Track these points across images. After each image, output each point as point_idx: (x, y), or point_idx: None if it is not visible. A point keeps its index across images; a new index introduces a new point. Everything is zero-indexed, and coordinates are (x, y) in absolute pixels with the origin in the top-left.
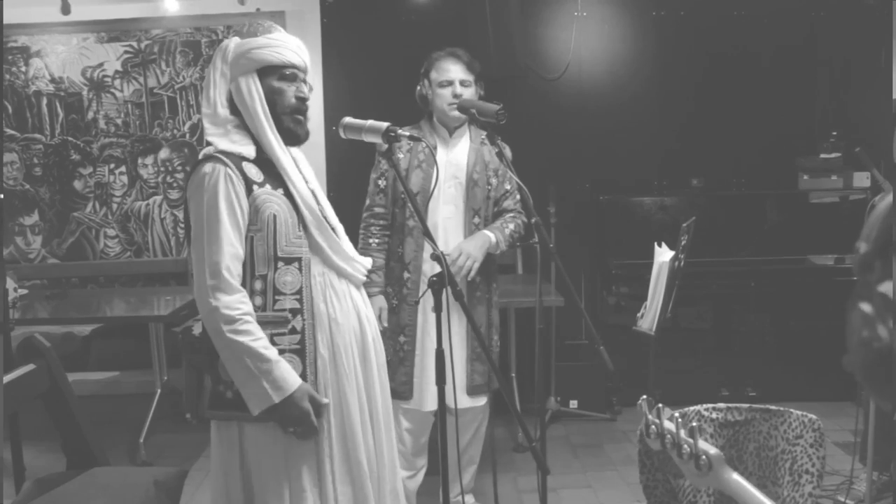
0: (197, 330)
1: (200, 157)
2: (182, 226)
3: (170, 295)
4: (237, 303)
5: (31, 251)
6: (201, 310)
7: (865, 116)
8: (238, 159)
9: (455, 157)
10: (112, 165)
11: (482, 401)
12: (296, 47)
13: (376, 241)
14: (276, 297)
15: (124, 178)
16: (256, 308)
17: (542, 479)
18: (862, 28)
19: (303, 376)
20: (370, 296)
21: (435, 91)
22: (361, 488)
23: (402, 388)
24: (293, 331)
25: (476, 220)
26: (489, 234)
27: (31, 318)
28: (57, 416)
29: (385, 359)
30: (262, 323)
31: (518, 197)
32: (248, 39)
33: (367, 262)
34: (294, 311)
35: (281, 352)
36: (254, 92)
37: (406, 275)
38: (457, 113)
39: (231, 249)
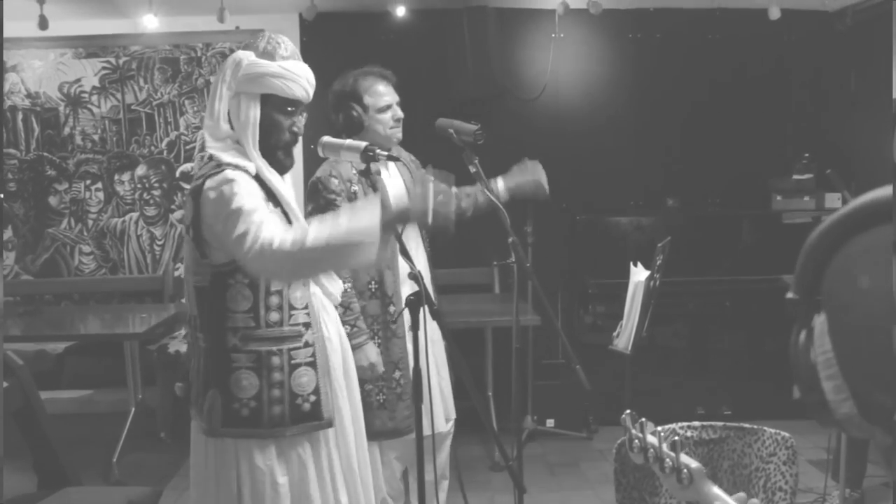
0: (172, 348)
1: (214, 165)
2: (159, 243)
3: (145, 312)
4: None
5: (3, 267)
6: (256, 266)
7: (837, 138)
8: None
9: (395, 179)
10: (88, 181)
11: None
12: (306, 81)
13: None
14: (291, 312)
15: (100, 195)
16: (274, 323)
17: (519, 498)
18: (832, 52)
19: (317, 389)
20: (359, 346)
21: (373, 116)
22: (356, 494)
23: (405, 424)
24: (306, 344)
25: (423, 233)
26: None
27: (3, 336)
28: (29, 434)
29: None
30: (280, 338)
31: None
32: (264, 62)
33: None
34: (306, 325)
35: (297, 365)
36: (251, 116)
37: (392, 308)
38: (400, 135)
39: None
